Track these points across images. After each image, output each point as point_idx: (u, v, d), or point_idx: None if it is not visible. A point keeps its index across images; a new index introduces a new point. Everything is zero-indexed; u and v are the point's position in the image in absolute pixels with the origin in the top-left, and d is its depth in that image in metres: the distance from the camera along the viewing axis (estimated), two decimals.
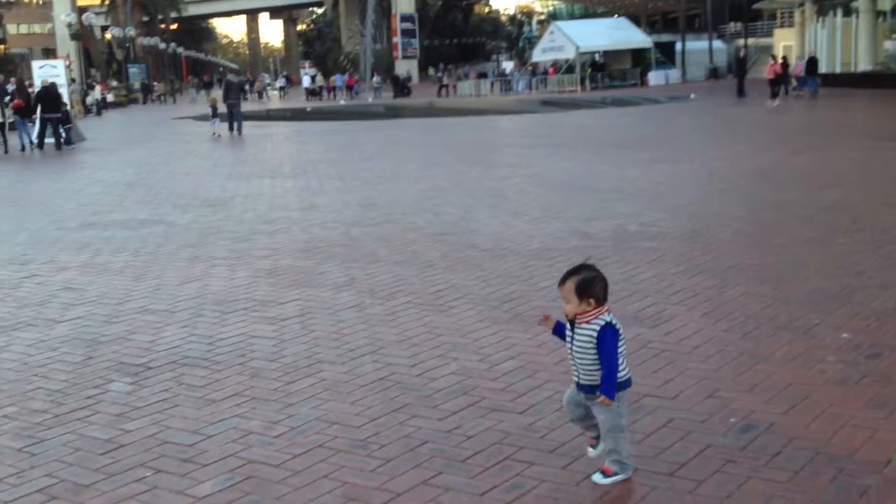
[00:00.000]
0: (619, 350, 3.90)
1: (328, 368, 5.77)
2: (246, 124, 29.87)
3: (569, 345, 3.98)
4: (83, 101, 45.44)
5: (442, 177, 15.83)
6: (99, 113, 47.35)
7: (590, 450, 4.18)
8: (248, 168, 18.77)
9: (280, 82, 74.25)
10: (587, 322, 3.88)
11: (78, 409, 5.26)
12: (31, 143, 25.29)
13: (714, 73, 56.36)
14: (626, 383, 3.98)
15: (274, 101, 65.12)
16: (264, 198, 14.10)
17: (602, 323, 3.85)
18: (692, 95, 39.87)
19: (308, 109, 47.77)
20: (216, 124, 28.68)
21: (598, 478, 4.05)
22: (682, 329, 6.23)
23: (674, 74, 55.47)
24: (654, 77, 53.85)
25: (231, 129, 28.48)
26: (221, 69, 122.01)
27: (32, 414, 5.21)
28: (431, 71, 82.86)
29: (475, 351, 5.96)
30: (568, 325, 3.97)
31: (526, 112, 36.57)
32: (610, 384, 3.85)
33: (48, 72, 32.03)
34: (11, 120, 25.02)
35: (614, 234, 9.67)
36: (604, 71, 55.08)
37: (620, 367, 3.91)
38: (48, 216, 12.99)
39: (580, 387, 4.00)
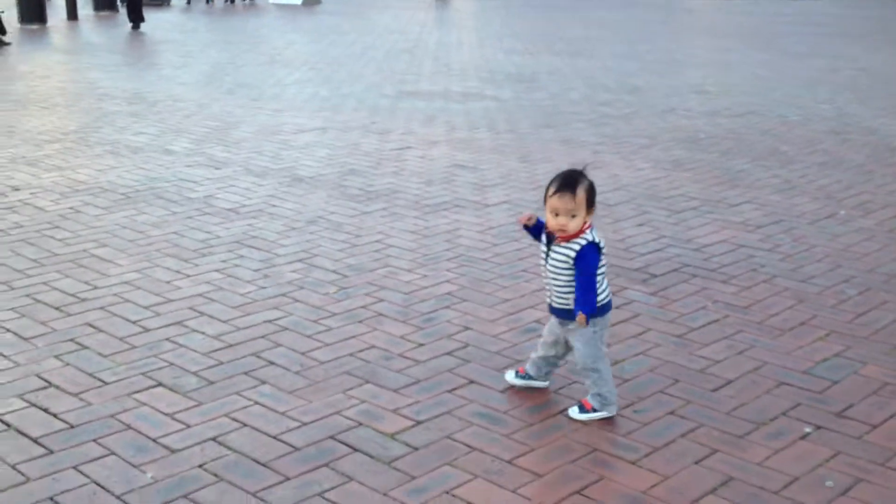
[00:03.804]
0: (600, 270, 3.47)
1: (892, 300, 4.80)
2: None
3: (542, 262, 3.56)
4: None
5: (747, 63, 14.38)
6: None
7: (511, 373, 3.80)
8: (518, 42, 17.69)
9: None
10: (566, 240, 3.43)
11: (620, 321, 4.48)
12: None
13: None
14: (606, 307, 3.53)
15: None
16: (568, 75, 13.07)
17: (584, 242, 3.41)
18: None
19: None
20: None
21: (574, 412, 3.56)
22: None
23: None
24: None
25: None
26: None
27: None
28: None
29: None
30: (544, 241, 3.53)
31: None
32: (587, 301, 3.40)
33: None
34: None
35: None
36: None
37: (600, 290, 3.47)
38: (356, 81, 12.39)
39: (553, 310, 3.59)
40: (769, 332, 4.35)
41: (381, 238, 5.74)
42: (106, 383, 3.83)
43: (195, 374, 3.93)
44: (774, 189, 6.90)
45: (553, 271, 3.50)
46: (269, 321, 4.48)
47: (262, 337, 4.30)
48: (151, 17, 21.43)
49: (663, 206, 6.45)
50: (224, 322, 4.46)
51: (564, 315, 3.54)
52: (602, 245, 3.47)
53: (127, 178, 7.15)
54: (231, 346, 4.20)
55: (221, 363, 4.03)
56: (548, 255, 3.52)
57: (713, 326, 4.43)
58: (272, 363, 4.04)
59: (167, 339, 4.26)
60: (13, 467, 3.22)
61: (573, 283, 3.45)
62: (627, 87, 12.04)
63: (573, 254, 3.42)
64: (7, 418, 3.54)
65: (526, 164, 7.69)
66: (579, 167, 3.52)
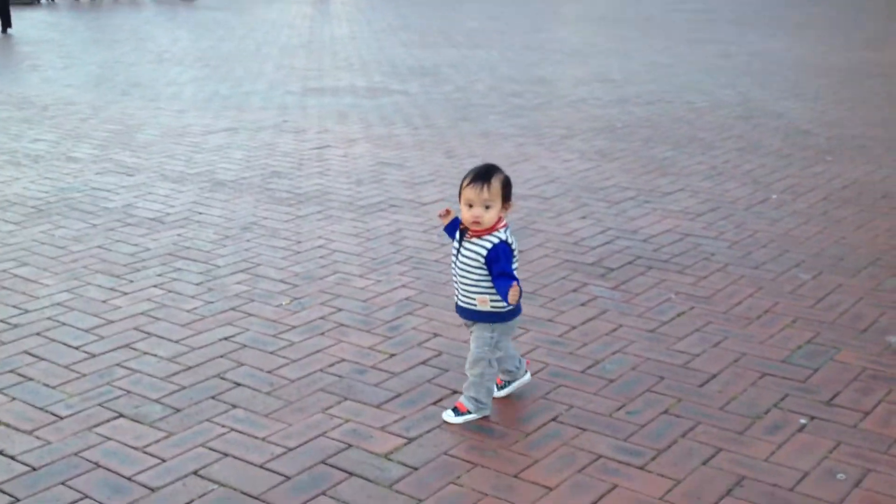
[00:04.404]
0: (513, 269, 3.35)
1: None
2: None
3: (453, 259, 3.43)
4: None
5: (646, 51, 14.60)
6: None
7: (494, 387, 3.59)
8: (414, 35, 17.54)
9: None
10: (479, 236, 3.32)
11: (589, 318, 4.39)
12: None
13: None
14: (514, 312, 3.42)
15: None
16: (471, 68, 12.99)
17: (495, 240, 3.30)
18: None
19: None
20: None
21: (448, 416, 3.49)
22: None
23: None
24: None
25: None
26: None
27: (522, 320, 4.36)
28: None
29: None
30: (456, 237, 3.41)
31: None
32: (510, 286, 3.24)
33: None
34: None
35: None
36: None
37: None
38: (257, 78, 12.02)
39: (459, 309, 3.48)
40: (737, 322, 4.33)
41: (324, 243, 5.51)
42: (61, 418, 3.52)
43: (157, 401, 3.65)
44: (703, 176, 6.96)
45: (463, 268, 3.37)
46: (225, 338, 4.22)
47: (222, 356, 4.04)
48: (23, 16, 20.40)
49: (600, 197, 6.42)
50: (176, 342, 4.18)
51: (469, 315, 3.44)
52: (515, 247, 3.35)
53: (34, 189, 6.70)
54: (190, 368, 3.93)
55: (183, 387, 3.76)
56: (459, 252, 3.39)
57: (682, 319, 4.39)
58: (239, 384, 3.79)
59: (118, 365, 3.95)
60: None
61: (481, 283, 3.34)
62: (533, 77, 12.04)
63: (484, 252, 3.30)
64: None
65: (452, 160, 7.56)
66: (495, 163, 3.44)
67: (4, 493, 3.05)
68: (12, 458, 3.25)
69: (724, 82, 11.36)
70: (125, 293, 4.75)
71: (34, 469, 3.18)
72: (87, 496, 3.03)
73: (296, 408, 3.60)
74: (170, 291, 4.77)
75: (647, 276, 4.93)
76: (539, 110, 9.72)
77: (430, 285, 4.84)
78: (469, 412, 3.48)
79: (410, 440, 3.37)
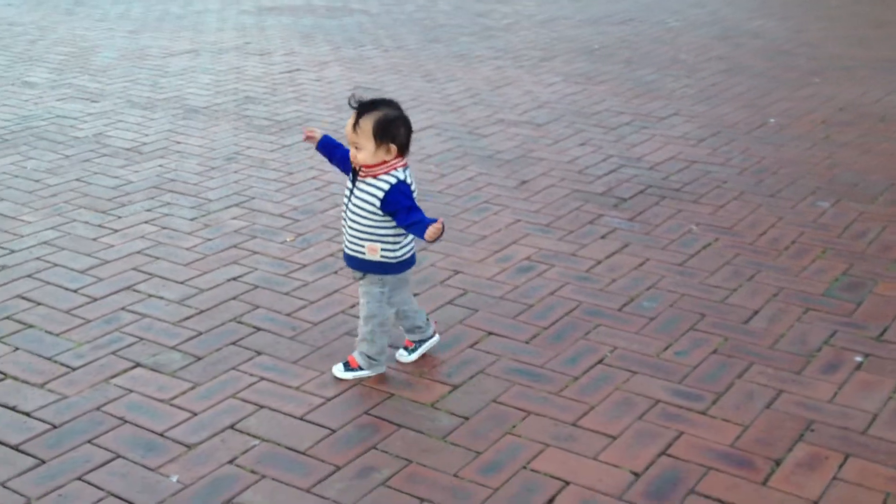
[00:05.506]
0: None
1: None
2: None
3: (345, 199, 3.08)
4: None
5: None
6: None
7: (403, 352, 3.33)
8: None
9: None
10: (374, 176, 2.97)
11: (613, 252, 4.22)
12: None
13: None
14: (407, 263, 3.12)
15: None
16: None
17: (393, 180, 2.96)
18: None
19: None
20: None
21: (338, 370, 3.22)
22: None
23: None
24: None
25: None
26: None
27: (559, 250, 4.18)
28: None
29: None
30: (349, 176, 3.07)
31: None
32: (422, 224, 2.94)
33: None
34: None
35: None
36: None
37: (404, 241, 3.07)
38: None
39: (346, 257, 3.14)
40: (767, 254, 4.20)
41: (317, 174, 5.23)
42: (73, 369, 3.26)
43: (175, 349, 3.40)
44: (694, 99, 6.78)
45: (355, 210, 3.02)
46: (234, 279, 3.96)
47: (234, 298, 3.79)
48: None
49: (595, 122, 6.21)
50: (182, 283, 3.91)
51: (356, 265, 3.10)
52: (414, 188, 3.02)
53: None
54: (202, 311, 3.68)
55: (200, 333, 3.51)
56: (352, 192, 3.05)
57: (709, 251, 4.24)
58: (259, 329, 3.55)
59: (123, 309, 3.68)
60: (4, 486, 2.66)
61: (373, 229, 3.01)
62: None
63: (381, 193, 2.96)
64: None
65: (432, 84, 7.26)
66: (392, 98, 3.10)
67: (27, 454, 2.79)
68: (27, 414, 2.99)
69: (692, 1, 11.13)
70: (115, 230, 4.43)
71: (55, 427, 2.93)
72: (119, 455, 2.80)
73: (324, 353, 3.38)
74: (164, 228, 4.47)
75: (663, 206, 4.76)
76: (510, 31, 9.41)
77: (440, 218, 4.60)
78: (361, 368, 3.20)
79: (455, 387, 3.18)
